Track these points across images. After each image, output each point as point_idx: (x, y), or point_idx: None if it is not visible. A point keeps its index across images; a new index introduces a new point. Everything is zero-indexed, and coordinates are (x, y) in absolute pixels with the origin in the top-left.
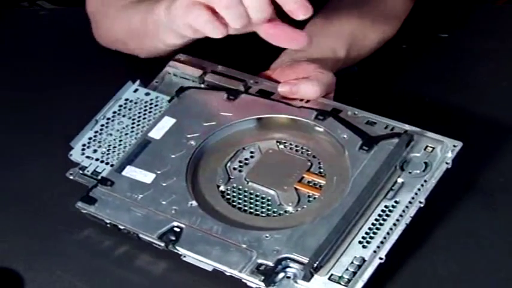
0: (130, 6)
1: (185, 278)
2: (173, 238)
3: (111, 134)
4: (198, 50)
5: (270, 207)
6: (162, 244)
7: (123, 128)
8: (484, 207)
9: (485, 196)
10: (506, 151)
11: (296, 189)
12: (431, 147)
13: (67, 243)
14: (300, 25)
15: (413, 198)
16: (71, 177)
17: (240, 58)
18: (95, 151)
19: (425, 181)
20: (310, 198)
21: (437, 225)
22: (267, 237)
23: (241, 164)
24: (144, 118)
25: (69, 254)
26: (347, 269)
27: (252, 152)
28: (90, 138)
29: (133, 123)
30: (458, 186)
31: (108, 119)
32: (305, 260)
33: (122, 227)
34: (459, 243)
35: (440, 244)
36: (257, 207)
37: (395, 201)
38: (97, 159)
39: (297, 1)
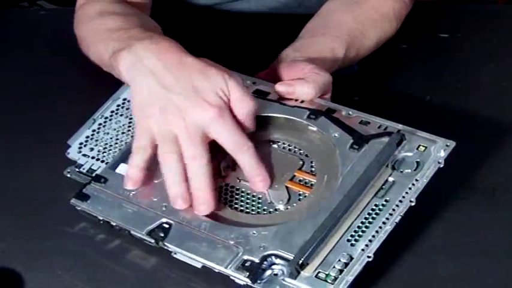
0: (104, 36)
1: (176, 274)
2: (162, 234)
3: (108, 133)
4: (196, 50)
5: (260, 205)
6: (152, 241)
7: (120, 127)
8: (484, 207)
9: (485, 196)
10: (506, 151)
11: (287, 187)
12: (423, 146)
13: (67, 243)
14: (298, 25)
15: (403, 197)
16: (68, 175)
17: (238, 58)
18: (91, 149)
19: (416, 180)
20: (301, 197)
21: (437, 225)
22: (254, 233)
23: (234, 163)
24: None
25: (69, 253)
26: (334, 267)
27: None
28: (87, 137)
29: (130, 123)
30: (458, 186)
31: (106, 118)
32: (290, 257)
33: (113, 224)
34: (459, 243)
35: (440, 244)
36: (247, 205)
37: (386, 200)
38: (93, 158)
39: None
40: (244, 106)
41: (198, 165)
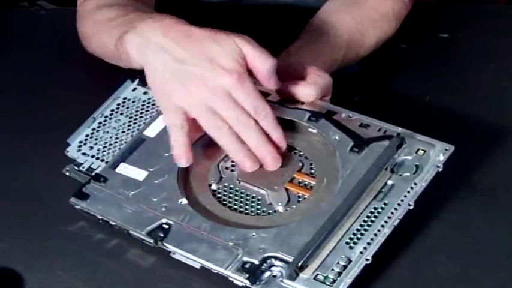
0: (104, 26)
1: (175, 273)
2: (161, 235)
3: (107, 132)
4: None
5: (259, 207)
6: (152, 241)
7: (120, 126)
8: (484, 207)
9: (484, 196)
10: (506, 151)
11: (286, 189)
12: (423, 150)
13: (67, 243)
14: (298, 26)
15: (402, 200)
16: (67, 174)
17: None
18: (91, 148)
19: (415, 184)
20: (300, 199)
21: (437, 225)
22: (253, 235)
23: (233, 164)
24: (141, 117)
25: (69, 253)
26: (332, 269)
27: None
28: (87, 136)
29: (130, 122)
30: (458, 186)
31: (106, 117)
32: (290, 259)
33: (112, 223)
34: (459, 243)
35: (440, 244)
36: (247, 207)
37: (384, 203)
38: (92, 156)
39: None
40: (265, 62)
41: (246, 128)
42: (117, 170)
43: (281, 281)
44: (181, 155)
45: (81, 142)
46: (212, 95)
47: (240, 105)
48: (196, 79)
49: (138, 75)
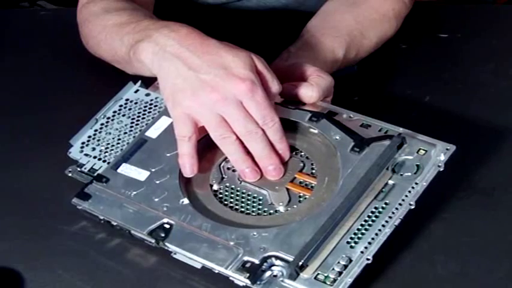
0: (114, 31)
1: (176, 272)
2: (162, 235)
3: (110, 133)
4: None
5: (261, 207)
6: (153, 241)
7: (122, 127)
8: (484, 207)
9: (485, 196)
10: (506, 151)
11: (288, 189)
12: (424, 150)
13: (67, 242)
14: (298, 26)
15: (403, 200)
16: (70, 174)
17: None
18: (93, 149)
19: (416, 183)
20: (301, 199)
21: (437, 225)
22: (254, 235)
23: None
24: (143, 118)
25: (69, 253)
26: (333, 269)
27: None
28: (89, 137)
29: (132, 123)
30: (458, 186)
31: (108, 118)
32: (290, 258)
33: (114, 223)
34: (459, 243)
35: (440, 244)
36: (248, 207)
37: (385, 203)
38: (95, 157)
39: (274, 165)
40: (273, 85)
41: (253, 137)
42: (119, 170)
43: (282, 280)
44: (187, 165)
45: (83, 143)
46: (223, 101)
47: (250, 113)
48: (208, 86)
49: (140, 77)
